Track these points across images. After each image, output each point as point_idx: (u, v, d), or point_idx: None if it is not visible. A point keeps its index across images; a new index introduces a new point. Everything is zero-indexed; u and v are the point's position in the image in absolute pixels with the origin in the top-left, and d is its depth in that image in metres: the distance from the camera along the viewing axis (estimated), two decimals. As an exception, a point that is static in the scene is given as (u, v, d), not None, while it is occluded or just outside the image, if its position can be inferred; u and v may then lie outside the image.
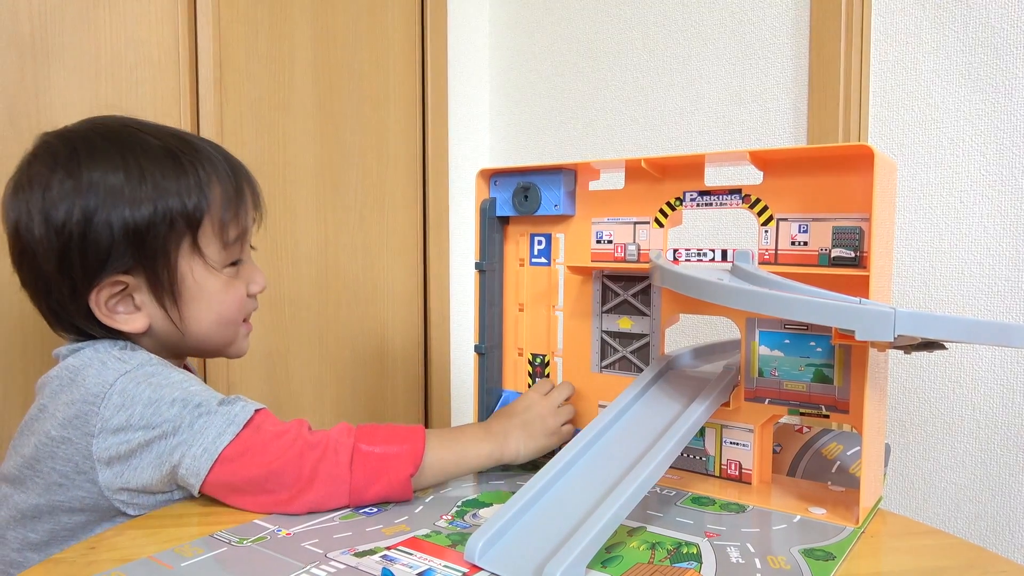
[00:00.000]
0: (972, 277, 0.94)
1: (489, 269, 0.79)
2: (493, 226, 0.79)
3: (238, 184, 0.68)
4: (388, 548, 0.52)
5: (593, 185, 0.75)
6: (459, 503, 0.62)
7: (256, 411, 0.60)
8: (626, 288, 0.74)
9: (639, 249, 0.71)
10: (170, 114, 0.97)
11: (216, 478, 0.57)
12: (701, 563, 0.50)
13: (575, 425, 0.75)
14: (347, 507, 0.60)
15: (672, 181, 0.69)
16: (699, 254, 0.69)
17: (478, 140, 1.47)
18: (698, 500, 0.63)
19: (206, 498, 0.60)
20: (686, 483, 0.67)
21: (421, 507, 0.61)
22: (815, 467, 0.70)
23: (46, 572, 0.49)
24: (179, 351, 0.70)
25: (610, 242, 0.73)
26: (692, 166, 0.68)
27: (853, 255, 0.60)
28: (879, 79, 1.00)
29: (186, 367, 0.75)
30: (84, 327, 0.64)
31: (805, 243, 0.62)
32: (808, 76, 1.05)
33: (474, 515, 0.59)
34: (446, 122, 1.39)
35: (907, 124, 0.98)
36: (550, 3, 1.37)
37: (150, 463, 0.58)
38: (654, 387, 0.68)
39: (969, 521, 0.95)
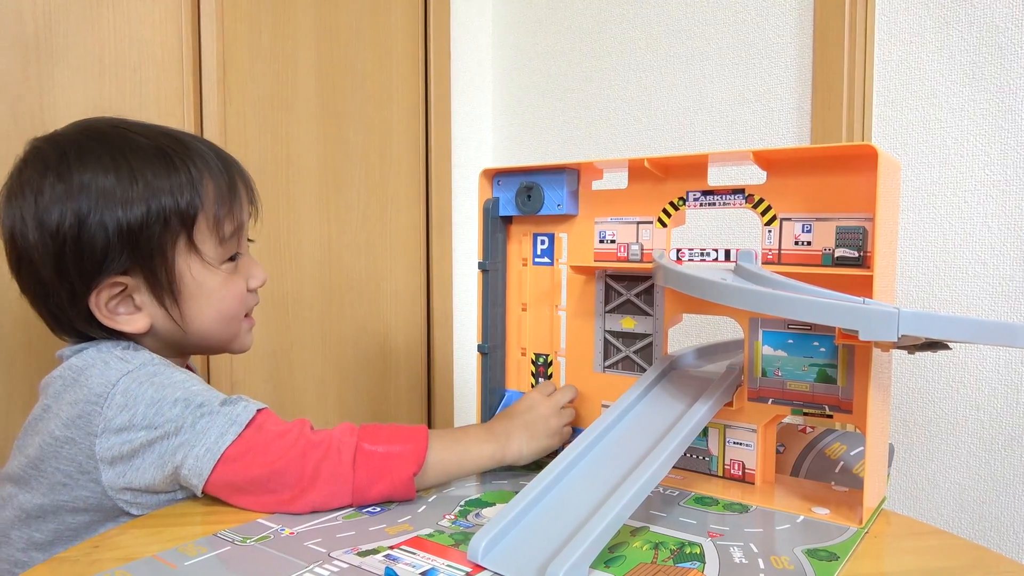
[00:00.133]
0: (976, 277, 0.94)
1: (492, 269, 0.78)
2: (496, 226, 0.79)
3: (231, 179, 0.68)
4: (391, 547, 0.52)
5: (596, 185, 0.75)
6: (462, 503, 0.62)
7: (258, 411, 0.60)
8: (629, 288, 0.74)
9: (642, 249, 0.71)
10: (173, 114, 0.97)
11: (219, 478, 0.58)
12: (704, 563, 0.50)
13: (578, 426, 0.75)
14: (350, 506, 0.60)
15: (675, 181, 0.69)
16: (702, 254, 0.69)
17: (481, 140, 1.47)
18: (701, 500, 0.63)
19: (209, 497, 0.60)
20: (689, 483, 0.67)
21: (424, 506, 0.61)
22: (818, 467, 0.70)
23: (50, 571, 0.50)
24: (182, 349, 0.70)
25: (613, 242, 0.73)
26: (695, 166, 0.68)
27: (857, 255, 0.60)
28: (883, 79, 1.00)
29: (188, 367, 0.75)
30: (86, 330, 0.64)
31: (808, 243, 0.62)
32: (812, 75, 1.05)
33: (477, 515, 0.59)
34: (449, 122, 1.39)
35: (911, 124, 0.98)
36: (553, 3, 1.37)
37: (152, 463, 0.58)
38: (657, 387, 0.68)
39: (973, 521, 0.95)
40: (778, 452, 0.71)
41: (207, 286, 0.66)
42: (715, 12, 1.16)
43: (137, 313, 0.64)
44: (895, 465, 0.99)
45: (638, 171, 0.71)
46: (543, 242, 0.78)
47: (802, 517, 0.59)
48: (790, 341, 0.64)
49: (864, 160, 0.58)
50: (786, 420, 0.70)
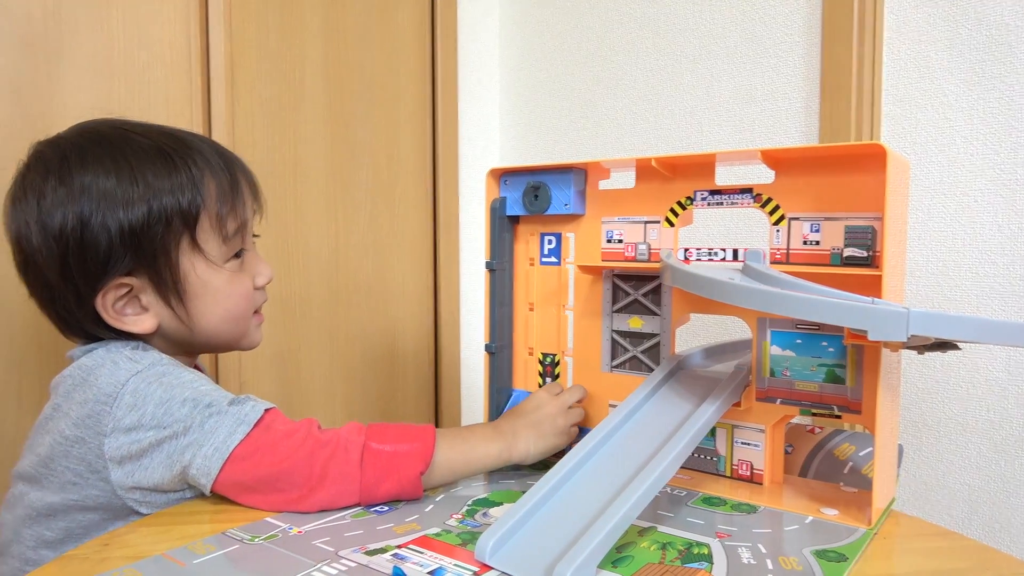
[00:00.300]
0: (986, 276, 0.93)
1: (499, 268, 0.79)
2: (503, 225, 0.79)
3: (233, 177, 0.68)
4: (399, 546, 0.52)
5: (603, 184, 0.75)
6: (470, 502, 0.62)
7: (266, 410, 0.60)
8: (636, 288, 0.74)
9: (650, 248, 0.71)
10: (182, 114, 0.97)
11: (227, 477, 0.58)
12: (712, 564, 0.50)
13: (585, 425, 0.75)
14: (358, 505, 0.60)
15: (683, 180, 0.69)
16: (710, 253, 0.69)
17: (488, 139, 1.47)
18: (709, 500, 0.62)
19: (217, 496, 0.60)
20: (697, 483, 0.67)
21: (432, 506, 0.61)
22: (827, 468, 0.70)
23: (60, 568, 0.50)
24: (191, 349, 0.70)
25: (620, 241, 0.73)
26: (703, 165, 0.68)
27: (865, 254, 0.60)
28: (892, 77, 0.99)
29: (196, 367, 0.75)
30: (94, 331, 0.64)
31: (817, 242, 0.62)
32: (820, 74, 1.05)
33: (484, 514, 0.59)
34: (456, 122, 1.39)
35: (920, 123, 0.97)
36: (560, 3, 1.37)
37: (161, 463, 0.59)
38: (665, 387, 0.67)
39: (983, 523, 0.94)
40: (786, 452, 0.70)
41: (212, 285, 0.66)
42: (722, 11, 1.16)
43: (144, 313, 0.65)
44: (904, 466, 0.99)
45: (645, 171, 0.71)
46: (550, 242, 0.78)
47: (811, 518, 0.59)
48: (798, 341, 0.63)
49: (873, 159, 0.58)
50: (794, 420, 0.69)
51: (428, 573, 0.48)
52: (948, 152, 0.95)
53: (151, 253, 0.63)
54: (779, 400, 0.65)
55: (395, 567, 0.49)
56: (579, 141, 1.35)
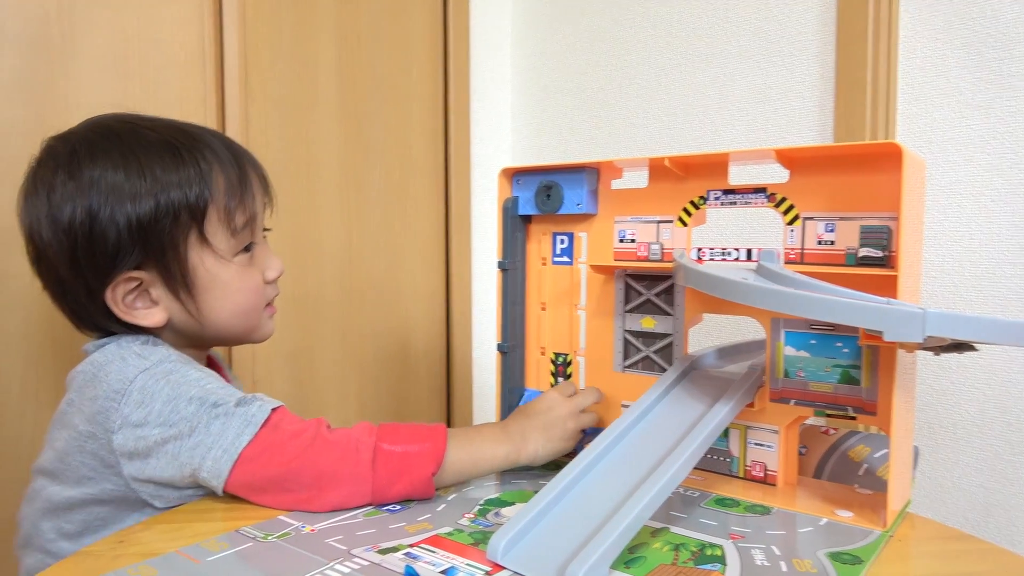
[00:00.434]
0: (1003, 277, 0.92)
1: (511, 268, 0.78)
2: (515, 225, 0.79)
3: (242, 170, 0.68)
4: (411, 546, 0.52)
5: (616, 184, 0.75)
6: (482, 501, 0.62)
7: (273, 410, 0.60)
8: (649, 287, 0.73)
9: (662, 248, 0.71)
10: (196, 114, 0.98)
11: (237, 478, 0.58)
12: (725, 565, 0.50)
13: (598, 426, 0.74)
14: (370, 504, 0.60)
15: (696, 180, 0.69)
16: (723, 253, 0.68)
17: (500, 139, 1.47)
18: (722, 501, 0.62)
19: (230, 494, 0.60)
20: (710, 484, 0.66)
21: (444, 505, 0.61)
22: (841, 469, 0.69)
23: (75, 565, 0.50)
24: (202, 342, 0.70)
25: (633, 241, 0.73)
26: (716, 164, 0.67)
27: (881, 255, 0.59)
28: (907, 75, 0.98)
29: (210, 358, 0.75)
30: (105, 325, 0.65)
31: (832, 242, 0.62)
32: (835, 73, 1.04)
33: (497, 514, 0.59)
34: (468, 121, 1.39)
35: (936, 121, 0.96)
36: (572, 2, 1.36)
37: (168, 462, 0.59)
38: (678, 387, 0.67)
39: (999, 526, 0.93)
40: (800, 454, 0.70)
41: (221, 279, 0.66)
42: (736, 9, 1.15)
43: (154, 307, 0.65)
44: (920, 468, 0.98)
45: (658, 170, 0.70)
46: (562, 241, 0.78)
47: (825, 520, 0.58)
48: (813, 342, 0.63)
49: (889, 158, 0.57)
50: (808, 421, 0.69)
51: (440, 572, 0.48)
52: (965, 151, 0.94)
53: (159, 247, 0.63)
54: (793, 401, 0.64)
55: (407, 566, 0.49)
56: (591, 140, 1.35)
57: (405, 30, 1.28)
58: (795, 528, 0.57)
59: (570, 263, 0.78)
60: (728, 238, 1.12)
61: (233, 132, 1.01)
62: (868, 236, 0.60)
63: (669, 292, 0.72)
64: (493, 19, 1.44)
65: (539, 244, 0.79)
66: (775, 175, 0.65)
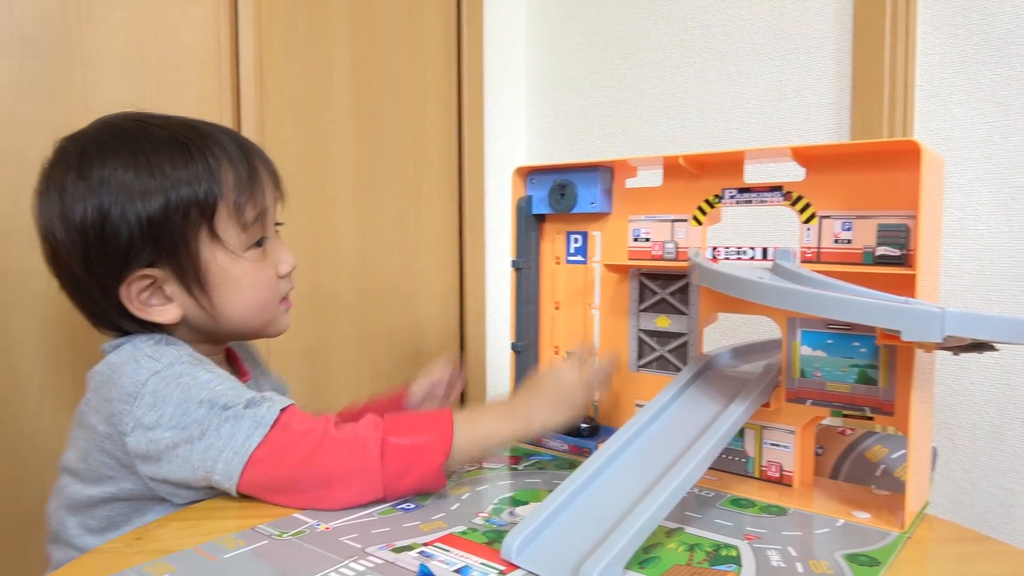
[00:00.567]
0: (1024, 276, 0.91)
1: (525, 267, 0.78)
2: (529, 224, 0.79)
3: (251, 165, 0.68)
4: (425, 544, 0.52)
5: (630, 182, 0.75)
6: (496, 500, 0.62)
7: (282, 410, 0.60)
8: (664, 287, 0.73)
9: (677, 247, 0.71)
10: (212, 114, 0.98)
11: (249, 480, 0.58)
12: (741, 566, 0.50)
13: (612, 426, 0.74)
14: (382, 499, 0.60)
15: (711, 178, 0.68)
16: (739, 252, 0.68)
17: (515, 138, 1.47)
18: (737, 502, 0.62)
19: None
20: (725, 484, 0.66)
21: (458, 504, 0.61)
22: (858, 470, 0.68)
23: (93, 562, 0.51)
24: (217, 338, 0.71)
25: (648, 240, 0.73)
26: (731, 163, 0.67)
27: (899, 253, 0.59)
28: (926, 72, 0.97)
29: (229, 351, 0.76)
30: (120, 323, 0.65)
31: (849, 241, 0.61)
32: (851, 70, 1.03)
33: (511, 513, 0.59)
34: (482, 120, 1.39)
35: (955, 118, 0.95)
36: (586, 1, 1.36)
37: (180, 465, 0.59)
38: (692, 387, 0.67)
39: (1019, 528, 0.92)
40: (817, 454, 0.69)
41: (233, 274, 0.67)
42: (750, 6, 1.14)
43: (169, 304, 0.65)
44: (938, 469, 0.97)
45: (673, 168, 0.70)
46: (576, 240, 0.78)
47: (841, 521, 0.58)
48: (829, 341, 0.62)
49: (907, 156, 0.56)
50: (825, 422, 0.68)
51: (454, 571, 0.48)
52: (984, 148, 0.93)
53: (171, 244, 0.63)
54: (809, 401, 0.64)
55: (421, 565, 0.49)
56: (606, 139, 1.35)
57: (419, 29, 1.28)
58: (811, 529, 0.56)
59: (584, 262, 0.78)
60: (743, 237, 1.11)
61: (249, 132, 1.02)
62: (886, 234, 0.59)
63: (684, 291, 0.72)
64: (507, 18, 1.44)
65: (553, 243, 0.79)
66: (791, 173, 0.65)
